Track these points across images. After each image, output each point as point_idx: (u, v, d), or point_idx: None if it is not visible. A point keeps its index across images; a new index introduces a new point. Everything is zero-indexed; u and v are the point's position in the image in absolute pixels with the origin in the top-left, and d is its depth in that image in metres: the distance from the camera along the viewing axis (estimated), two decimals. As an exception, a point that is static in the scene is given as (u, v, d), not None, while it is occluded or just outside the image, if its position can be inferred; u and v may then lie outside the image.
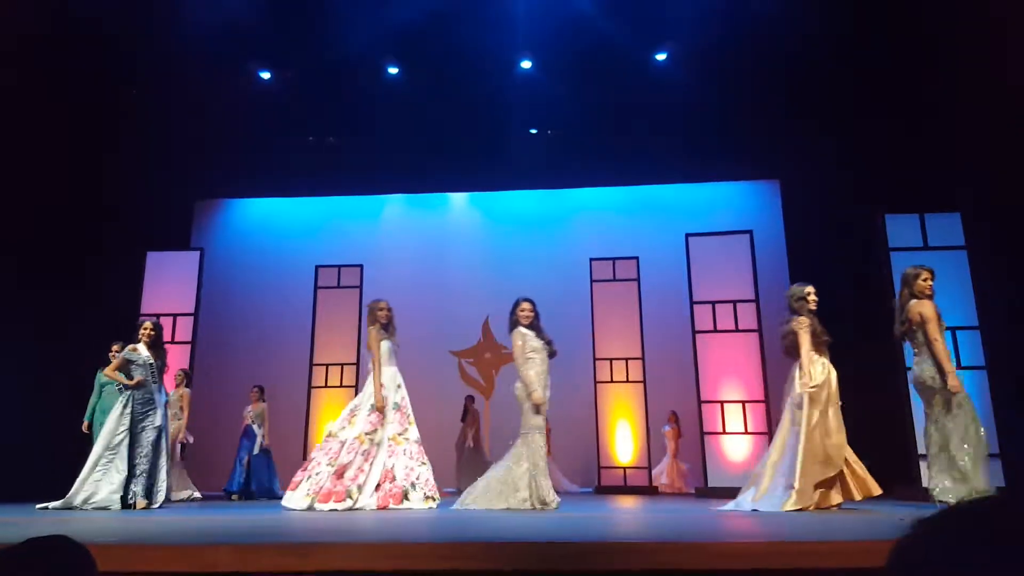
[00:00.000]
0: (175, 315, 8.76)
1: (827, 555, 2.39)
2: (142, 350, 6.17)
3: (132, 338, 6.27)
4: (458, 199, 11.90)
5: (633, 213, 11.30)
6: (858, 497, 4.84)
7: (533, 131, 10.96)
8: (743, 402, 7.95)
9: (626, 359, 9.25)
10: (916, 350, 5.09)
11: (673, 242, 8.95)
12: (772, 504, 4.69)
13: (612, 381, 9.25)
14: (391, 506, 5.19)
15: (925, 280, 5.10)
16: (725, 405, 8.00)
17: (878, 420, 7.42)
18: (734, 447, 7.91)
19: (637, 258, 9.47)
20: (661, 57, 9.94)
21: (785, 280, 10.03)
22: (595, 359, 9.30)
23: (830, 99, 9.38)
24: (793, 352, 5.13)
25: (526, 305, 5.50)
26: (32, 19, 7.87)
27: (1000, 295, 7.25)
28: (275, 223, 11.88)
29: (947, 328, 7.15)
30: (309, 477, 5.36)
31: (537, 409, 5.25)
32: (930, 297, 5.09)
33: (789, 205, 10.53)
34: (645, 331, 9.25)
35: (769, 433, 7.83)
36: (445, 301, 11.10)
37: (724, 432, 7.94)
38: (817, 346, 5.07)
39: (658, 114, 10.06)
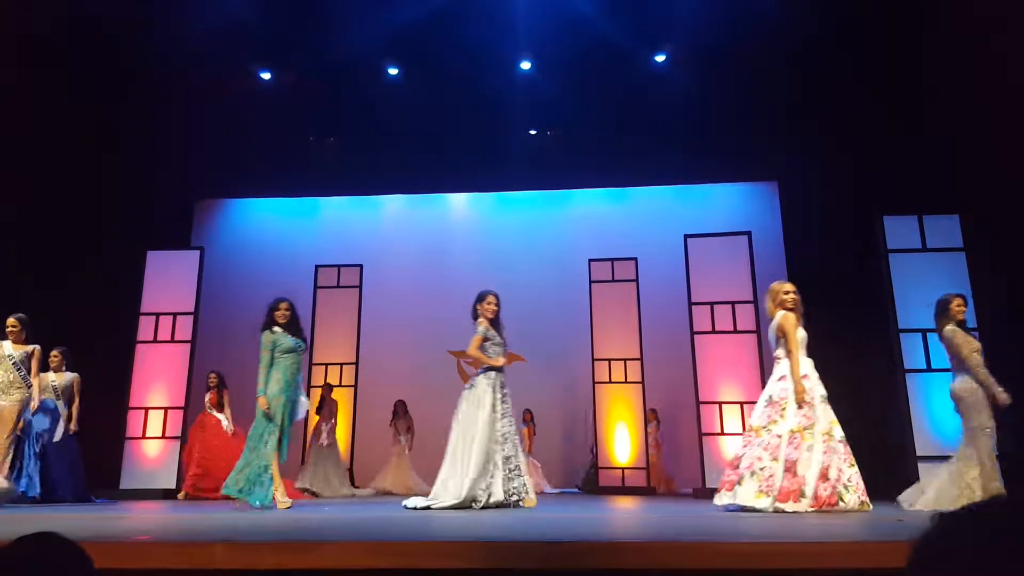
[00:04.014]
0: (175, 314, 8.75)
1: (827, 556, 2.39)
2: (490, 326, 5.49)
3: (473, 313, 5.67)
4: (457, 200, 11.91)
5: (632, 214, 11.30)
6: None
7: (532, 132, 10.97)
8: (741, 403, 7.95)
9: (624, 360, 9.26)
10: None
11: (671, 243, 8.95)
12: None
13: (611, 382, 9.25)
14: (824, 508, 4.68)
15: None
16: (723, 406, 8.01)
17: (876, 421, 7.43)
18: (732, 448, 7.90)
19: (636, 259, 9.47)
20: (660, 59, 9.97)
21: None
22: (593, 359, 9.31)
23: (828, 100, 9.39)
24: None
25: (961, 300, 5.30)
26: (32, 19, 7.87)
27: (999, 297, 7.25)
28: (275, 223, 11.88)
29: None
30: (753, 473, 4.82)
31: (994, 408, 5.03)
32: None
33: (787, 206, 10.53)
34: (644, 332, 9.26)
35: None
36: (444, 301, 11.06)
37: (722, 433, 7.95)
38: None
39: (657, 115, 10.07)
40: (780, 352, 5.15)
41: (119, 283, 9.09)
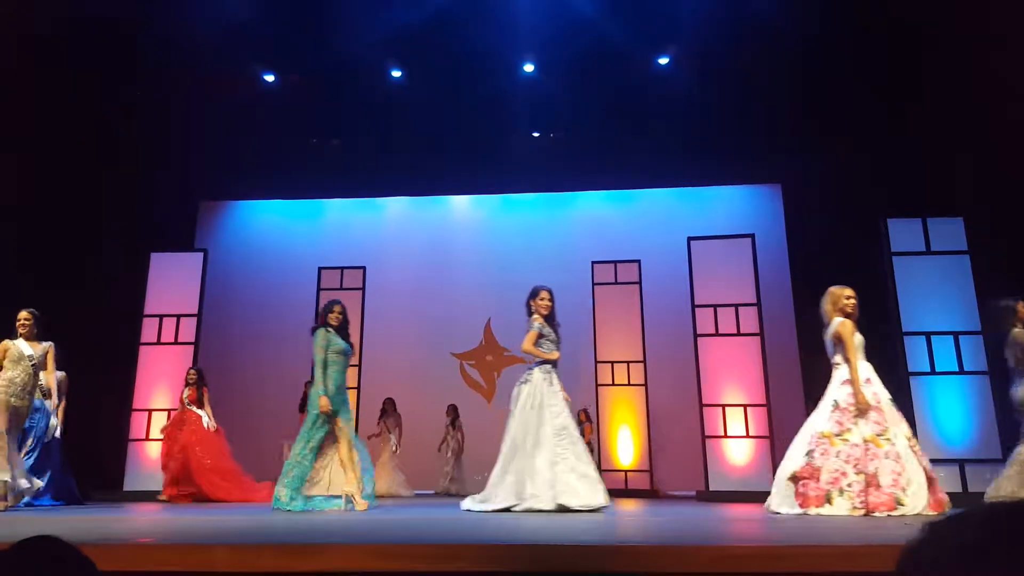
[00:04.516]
0: (178, 316, 8.76)
1: (831, 559, 2.37)
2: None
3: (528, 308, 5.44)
4: (460, 201, 11.91)
5: (635, 216, 11.30)
6: None
7: (536, 134, 10.97)
8: (744, 406, 7.93)
9: (628, 362, 9.24)
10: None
11: (675, 245, 8.94)
12: None
13: (614, 384, 9.23)
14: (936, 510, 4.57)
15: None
16: (727, 409, 7.98)
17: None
18: (736, 451, 7.89)
19: (639, 261, 9.46)
20: (664, 61, 9.96)
21: (787, 284, 10.05)
22: (596, 362, 9.29)
23: (832, 103, 9.37)
24: None
25: None
26: (32, 19, 7.88)
27: (1003, 300, 7.23)
28: (278, 225, 11.89)
29: (951, 333, 7.22)
30: (842, 491, 4.60)
31: None
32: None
33: (791, 209, 10.52)
34: (647, 334, 9.25)
35: (771, 437, 7.80)
36: (447, 303, 11.09)
37: (725, 436, 7.92)
38: None
39: (661, 117, 10.06)
40: (839, 358, 5.02)
41: (122, 284, 9.09)
